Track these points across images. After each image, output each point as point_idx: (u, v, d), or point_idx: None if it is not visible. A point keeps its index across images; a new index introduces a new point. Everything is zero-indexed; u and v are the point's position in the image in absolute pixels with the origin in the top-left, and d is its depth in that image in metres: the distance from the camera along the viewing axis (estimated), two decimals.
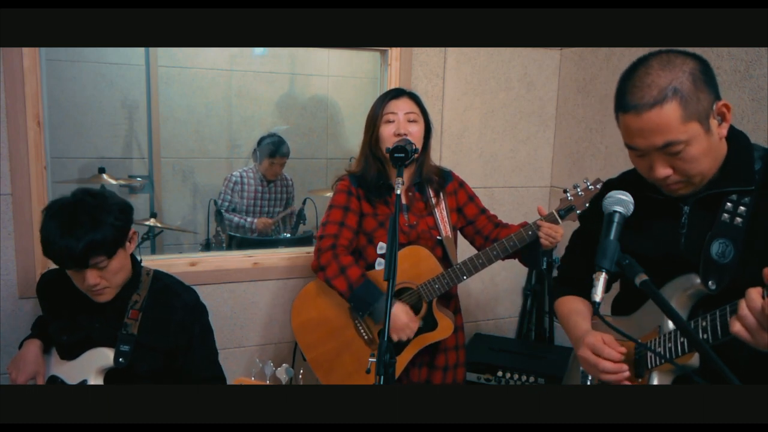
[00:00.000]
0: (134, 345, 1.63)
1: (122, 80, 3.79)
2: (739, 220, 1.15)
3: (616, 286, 1.52)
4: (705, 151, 1.12)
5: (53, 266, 2.09)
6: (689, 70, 1.10)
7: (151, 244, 3.57)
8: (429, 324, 1.92)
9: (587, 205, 1.73)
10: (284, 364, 1.20)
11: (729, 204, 1.16)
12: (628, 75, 1.15)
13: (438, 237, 1.99)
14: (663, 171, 1.14)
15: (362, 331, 1.97)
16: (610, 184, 1.45)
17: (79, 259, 1.49)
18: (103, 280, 1.56)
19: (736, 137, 1.19)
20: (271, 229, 3.60)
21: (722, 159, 1.17)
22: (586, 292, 1.49)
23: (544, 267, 2.82)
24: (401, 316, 1.84)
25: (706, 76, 1.11)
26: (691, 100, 1.08)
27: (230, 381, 1.88)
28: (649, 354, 1.22)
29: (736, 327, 1.00)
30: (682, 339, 1.14)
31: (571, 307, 1.47)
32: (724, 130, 1.15)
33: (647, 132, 1.10)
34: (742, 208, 1.15)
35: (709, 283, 1.14)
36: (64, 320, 1.70)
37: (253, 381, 1.33)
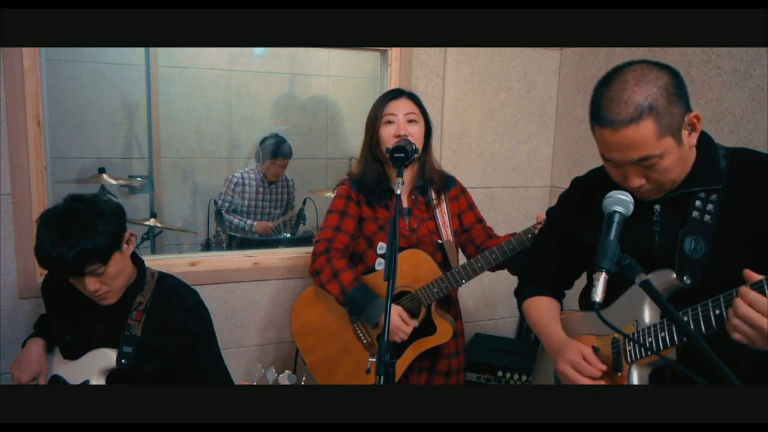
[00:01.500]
0: (137, 346, 1.63)
1: (122, 80, 3.79)
2: (708, 217, 1.20)
3: (579, 282, 1.52)
4: (676, 161, 1.17)
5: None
6: (663, 85, 1.13)
7: (151, 244, 3.57)
8: (428, 328, 1.91)
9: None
10: (286, 371, 1.20)
11: (698, 202, 1.21)
12: (602, 87, 1.18)
13: (439, 241, 1.98)
14: (637, 181, 1.19)
15: (361, 335, 1.96)
16: (579, 182, 1.47)
17: (72, 268, 1.48)
18: (103, 285, 1.55)
19: (702, 139, 1.23)
20: (271, 231, 3.60)
21: (691, 164, 1.22)
22: (553, 290, 1.52)
23: None
24: (395, 320, 1.83)
25: (678, 90, 1.15)
26: (665, 115, 1.12)
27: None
28: (627, 349, 1.24)
29: (737, 336, 1.02)
30: (662, 334, 1.17)
31: (542, 309, 1.49)
32: (694, 140, 1.19)
33: (624, 147, 1.14)
34: (710, 205, 1.20)
35: (684, 278, 1.19)
36: (66, 321, 1.70)
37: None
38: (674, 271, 1.20)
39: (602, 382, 1.25)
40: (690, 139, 1.18)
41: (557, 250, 1.48)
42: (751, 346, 1.01)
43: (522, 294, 1.57)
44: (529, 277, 1.57)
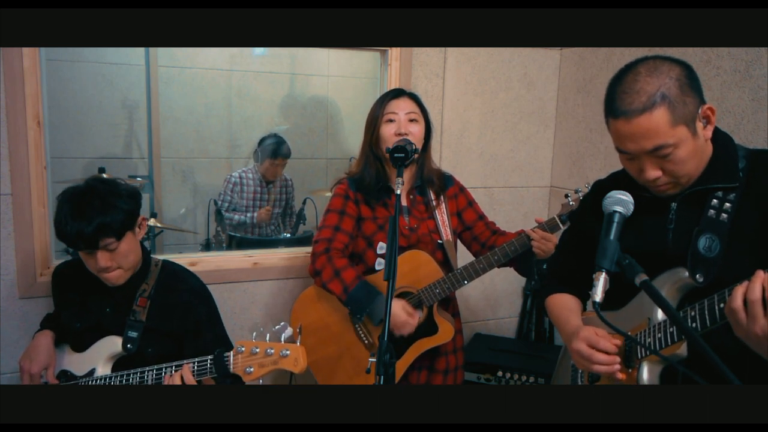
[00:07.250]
0: (142, 331, 1.69)
1: (122, 80, 3.79)
2: (724, 215, 1.19)
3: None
4: (692, 153, 1.17)
5: (54, 266, 2.09)
6: (675, 75, 1.14)
7: (151, 244, 3.57)
8: (429, 328, 1.91)
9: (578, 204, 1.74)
10: (282, 322, 1.23)
11: (715, 200, 1.21)
12: (616, 81, 1.19)
13: (439, 240, 1.98)
14: (653, 173, 1.18)
15: (362, 334, 1.96)
16: (600, 184, 1.47)
17: (89, 240, 1.56)
18: (113, 262, 1.62)
19: (721, 138, 1.24)
20: (272, 217, 3.61)
21: (708, 159, 1.22)
22: (576, 290, 1.52)
23: (536, 278, 2.80)
24: (400, 314, 1.83)
25: (691, 82, 1.15)
26: (678, 104, 1.12)
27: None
28: (638, 345, 1.25)
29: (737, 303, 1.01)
30: (671, 329, 1.18)
31: (562, 303, 1.50)
32: (709, 132, 1.19)
33: (638, 137, 1.14)
34: (727, 204, 1.20)
35: (697, 276, 1.19)
36: (75, 306, 1.75)
37: (253, 342, 1.53)
38: (687, 269, 1.20)
39: (616, 359, 1.24)
40: (705, 132, 1.18)
41: (578, 252, 1.48)
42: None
43: (544, 292, 1.59)
44: (552, 276, 1.59)
